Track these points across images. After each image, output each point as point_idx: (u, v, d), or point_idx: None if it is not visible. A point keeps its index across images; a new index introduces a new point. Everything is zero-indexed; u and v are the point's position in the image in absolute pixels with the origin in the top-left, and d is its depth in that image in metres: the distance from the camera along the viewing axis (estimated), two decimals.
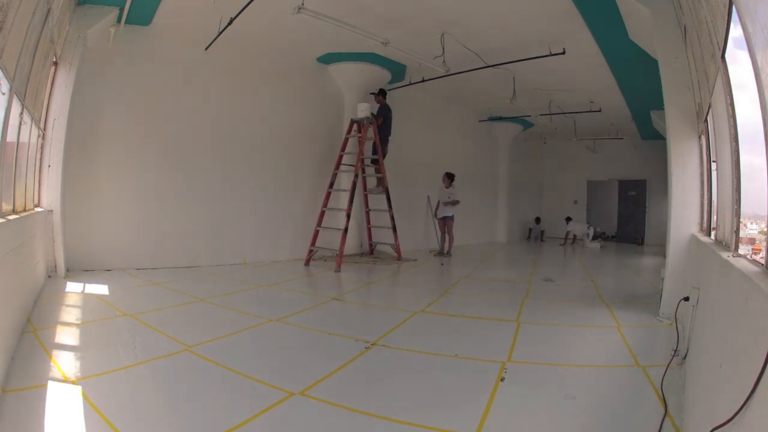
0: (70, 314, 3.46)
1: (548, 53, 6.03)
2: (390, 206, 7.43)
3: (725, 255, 1.92)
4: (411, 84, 7.96)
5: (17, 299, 2.87)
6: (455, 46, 6.12)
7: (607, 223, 13.32)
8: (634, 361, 2.80)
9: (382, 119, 7.26)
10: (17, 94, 2.92)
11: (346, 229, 6.47)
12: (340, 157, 7.17)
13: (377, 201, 7.73)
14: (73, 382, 2.21)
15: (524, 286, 5.50)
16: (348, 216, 6.55)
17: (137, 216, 5.73)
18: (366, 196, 7.73)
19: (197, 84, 6.18)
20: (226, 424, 1.88)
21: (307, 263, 6.61)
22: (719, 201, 2.85)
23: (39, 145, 4.47)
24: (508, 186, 12.57)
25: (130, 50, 5.55)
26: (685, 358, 2.62)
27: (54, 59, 4.55)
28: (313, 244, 6.74)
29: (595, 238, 11.46)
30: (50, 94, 4.63)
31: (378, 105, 7.45)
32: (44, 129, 4.59)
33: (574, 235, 11.70)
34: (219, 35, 5.46)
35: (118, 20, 5.17)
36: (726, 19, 2.06)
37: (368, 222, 7.84)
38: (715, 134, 3.02)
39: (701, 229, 3.70)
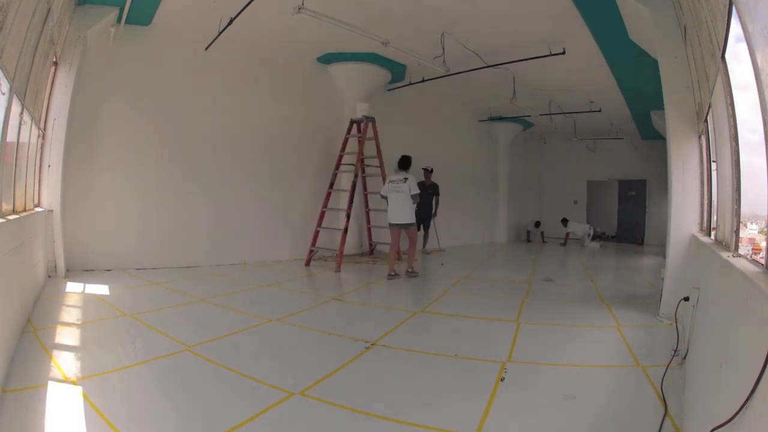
0: (70, 314, 3.46)
1: (548, 53, 6.02)
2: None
3: (725, 255, 1.92)
4: (411, 84, 7.96)
5: (17, 299, 2.87)
6: (455, 46, 6.12)
7: (607, 223, 13.31)
8: (634, 361, 2.80)
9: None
10: (17, 94, 2.92)
11: (346, 229, 6.47)
12: (340, 157, 7.17)
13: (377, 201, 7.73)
14: (73, 382, 2.21)
15: (524, 286, 5.50)
16: (348, 216, 6.55)
17: (137, 216, 5.73)
18: (366, 196, 7.73)
19: (197, 84, 6.18)
20: (226, 424, 1.88)
21: (307, 263, 6.61)
22: (719, 201, 2.85)
23: (39, 145, 4.47)
24: (509, 186, 12.57)
25: (130, 50, 5.55)
26: (685, 358, 2.62)
27: (54, 59, 4.55)
28: (313, 244, 6.74)
29: (594, 237, 11.44)
30: (50, 94, 4.63)
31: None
32: (44, 129, 4.59)
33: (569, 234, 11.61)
34: (219, 35, 5.46)
35: (118, 20, 5.17)
36: (726, 19, 2.06)
37: (368, 222, 7.84)
38: (715, 134, 3.01)
39: (701, 229, 3.70)
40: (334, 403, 2.13)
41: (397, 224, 5.77)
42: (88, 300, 4.00)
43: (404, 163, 5.90)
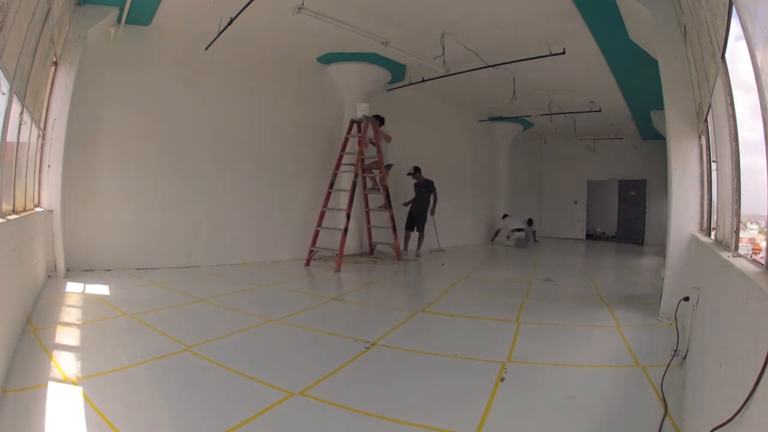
0: (70, 314, 3.46)
1: (548, 53, 6.03)
2: (390, 206, 7.43)
3: (725, 255, 1.92)
4: (411, 84, 7.96)
5: (17, 299, 2.87)
6: (455, 46, 6.12)
7: (607, 223, 13.31)
8: (634, 361, 2.80)
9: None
10: (17, 94, 2.92)
11: (346, 230, 6.47)
12: (340, 157, 7.16)
13: (377, 201, 7.74)
14: (73, 382, 2.21)
15: (524, 285, 5.50)
16: (348, 216, 6.55)
17: (137, 216, 5.73)
18: (366, 196, 7.73)
19: (197, 84, 6.17)
20: (226, 424, 1.88)
21: (307, 263, 6.61)
22: (719, 201, 2.85)
23: (39, 145, 4.47)
24: (509, 186, 12.56)
25: (130, 50, 5.55)
26: (685, 358, 2.62)
27: (54, 59, 4.55)
28: (313, 244, 6.74)
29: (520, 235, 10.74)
30: (50, 94, 4.63)
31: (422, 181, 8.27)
32: (44, 129, 4.59)
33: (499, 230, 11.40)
34: (219, 35, 5.45)
35: (118, 20, 5.17)
36: (726, 19, 2.06)
37: (368, 222, 7.84)
38: (715, 134, 3.01)
39: (701, 229, 3.70)
40: (334, 403, 2.13)
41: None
42: (88, 300, 4.00)
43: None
